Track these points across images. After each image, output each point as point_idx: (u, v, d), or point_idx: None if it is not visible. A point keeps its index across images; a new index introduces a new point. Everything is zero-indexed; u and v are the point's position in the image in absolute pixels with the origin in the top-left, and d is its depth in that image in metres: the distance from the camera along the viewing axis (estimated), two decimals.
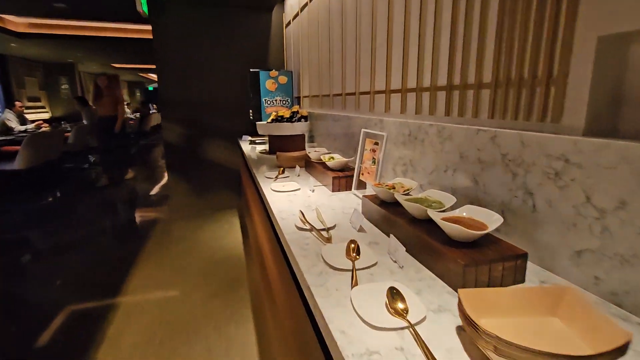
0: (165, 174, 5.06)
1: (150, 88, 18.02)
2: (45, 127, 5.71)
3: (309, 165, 1.77)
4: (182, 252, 2.67)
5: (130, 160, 6.82)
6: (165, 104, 3.43)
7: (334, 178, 1.41)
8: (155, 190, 4.60)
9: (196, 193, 3.61)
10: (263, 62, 3.49)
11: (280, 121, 2.35)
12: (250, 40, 3.46)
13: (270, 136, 2.35)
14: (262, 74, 2.79)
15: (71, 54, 6.79)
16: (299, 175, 1.72)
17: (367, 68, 1.66)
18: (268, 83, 2.81)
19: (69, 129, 5.56)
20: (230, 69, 3.47)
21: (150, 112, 10.49)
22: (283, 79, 2.84)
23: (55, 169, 5.11)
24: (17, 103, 5.61)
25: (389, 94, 1.46)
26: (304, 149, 2.29)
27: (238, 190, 3.64)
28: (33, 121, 6.10)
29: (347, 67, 1.93)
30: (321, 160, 1.65)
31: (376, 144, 1.27)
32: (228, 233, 3.02)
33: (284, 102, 2.87)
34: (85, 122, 6.00)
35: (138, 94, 15.52)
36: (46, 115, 7.85)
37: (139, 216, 3.63)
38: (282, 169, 1.82)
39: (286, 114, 2.38)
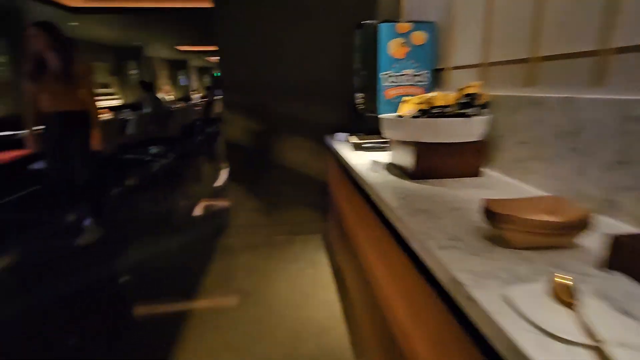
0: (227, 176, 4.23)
1: (217, 74, 18.02)
2: (110, 115, 5.28)
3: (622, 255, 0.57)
4: (244, 327, 1.67)
5: (194, 152, 6.24)
6: (229, 89, 2.45)
7: None
8: (213, 201, 3.76)
9: (265, 209, 2.62)
10: (368, 13, 2.25)
11: (440, 115, 1.17)
12: None
13: (414, 144, 1.16)
14: (384, 29, 1.60)
15: (136, 35, 6.30)
16: None
17: None
18: (393, 45, 1.62)
19: (129, 117, 5.03)
20: (316, 32, 2.35)
21: (215, 97, 10.03)
22: (419, 38, 1.62)
23: (112, 163, 4.59)
24: None
25: None
26: (478, 168, 1.10)
27: (323, 208, 2.57)
28: (102, 108, 5.76)
29: None
30: None
31: None
32: (315, 283, 1.97)
33: (420, 78, 1.66)
34: (146, 109, 5.45)
35: (205, 80, 15.45)
36: (117, 102, 7.67)
37: (186, 241, 2.76)
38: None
39: (448, 100, 1.19)
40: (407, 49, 1.61)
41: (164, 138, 5.58)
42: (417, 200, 0.92)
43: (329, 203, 2.34)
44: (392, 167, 1.29)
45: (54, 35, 2.32)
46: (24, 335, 1.65)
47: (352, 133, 1.95)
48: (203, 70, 15.24)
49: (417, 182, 1.11)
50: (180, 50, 8.89)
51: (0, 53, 4.09)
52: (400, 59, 1.62)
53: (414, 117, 1.20)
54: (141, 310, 1.85)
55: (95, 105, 2.52)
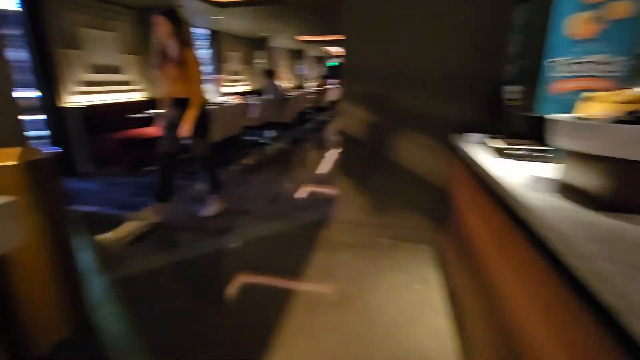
0: (334, 166, 4.28)
1: (334, 64, 18.43)
2: (237, 100, 5.88)
3: None
4: (339, 335, 1.55)
5: (304, 138, 6.48)
6: (349, 78, 2.33)
7: None
8: (315, 187, 3.77)
9: (371, 207, 2.46)
10: None
11: None
12: None
13: (615, 161, 0.80)
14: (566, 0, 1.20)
15: (265, 26, 6.80)
16: None
17: None
18: (577, 21, 1.21)
19: (253, 103, 5.48)
20: (454, 10, 2.00)
21: (327, 86, 10.26)
22: (621, 9, 1.16)
23: (234, 144, 5.08)
24: (218, 76, 5.92)
25: None
26: None
27: (437, 217, 2.26)
28: (230, 94, 6.47)
29: None
30: None
31: None
32: (422, 303, 1.73)
33: (612, 67, 1.21)
34: (267, 95, 5.85)
35: (319, 70, 15.99)
36: (245, 89, 8.52)
37: (289, 224, 2.80)
38: None
39: None
40: (598, 27, 1.18)
41: (279, 123, 5.93)
42: (628, 250, 0.61)
43: (447, 212, 2.03)
44: (566, 189, 0.95)
45: (175, 22, 2.39)
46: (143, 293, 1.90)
47: (491, 135, 1.59)
48: (318, 60, 15.79)
49: (617, 217, 0.76)
50: (299, 41, 9.32)
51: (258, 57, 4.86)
52: (585, 41, 1.20)
53: (618, 122, 0.83)
54: (245, 281, 1.93)
55: (196, 95, 2.51)
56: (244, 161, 4.69)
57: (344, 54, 2.30)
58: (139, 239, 2.48)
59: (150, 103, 5.08)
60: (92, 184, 3.69)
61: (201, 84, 2.58)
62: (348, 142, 2.43)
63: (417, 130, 2.25)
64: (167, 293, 1.89)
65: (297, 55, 11.90)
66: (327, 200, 3.26)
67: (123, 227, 2.56)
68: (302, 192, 3.52)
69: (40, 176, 1.36)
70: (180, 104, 2.56)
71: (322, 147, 5.85)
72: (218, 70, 7.34)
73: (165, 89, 2.63)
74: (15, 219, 0.98)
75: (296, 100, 6.16)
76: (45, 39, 3.70)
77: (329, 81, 11.73)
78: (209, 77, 7.01)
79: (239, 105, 4.39)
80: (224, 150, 4.79)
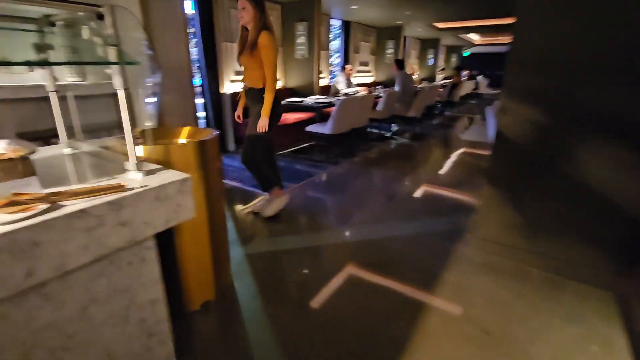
0: (463, 169, 3.75)
1: (466, 53, 16.64)
2: (365, 92, 5.82)
3: None
4: None
5: (431, 135, 6.00)
6: (516, 68, 1.91)
7: None
8: (444, 191, 3.37)
9: (526, 227, 2.01)
10: None
11: None
12: None
13: None
14: None
15: (401, 13, 6.47)
16: None
17: None
18: None
19: (380, 94, 5.31)
20: None
21: (461, 79, 9.25)
22: None
23: (359, 135, 5.03)
24: (347, 67, 5.95)
25: None
26: None
27: (626, 255, 1.68)
28: (359, 85, 6.46)
29: None
30: None
31: None
32: None
33: None
34: (397, 87, 5.58)
35: (452, 60, 14.63)
36: (371, 80, 8.42)
37: (415, 228, 2.54)
38: None
39: None
40: None
41: (405, 117, 5.61)
42: None
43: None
44: None
45: (259, 7, 2.21)
46: None
47: None
48: (451, 50, 14.44)
49: None
50: (436, 28, 8.60)
51: (300, 35, 5.09)
52: None
53: None
54: (365, 279, 1.82)
55: (270, 86, 2.33)
56: (366, 154, 4.61)
57: (513, 39, 1.89)
58: (271, 217, 2.65)
59: (288, 92, 5.48)
60: (234, 161, 4.19)
61: (275, 72, 2.35)
62: (503, 145, 2.02)
63: (609, 140, 1.70)
64: (291, 273, 1.94)
65: (429, 44, 11.11)
66: (456, 207, 2.87)
67: (254, 203, 2.79)
68: (423, 193, 3.21)
69: (207, 154, 1.51)
70: (255, 95, 2.40)
71: (449, 146, 5.29)
72: (348, 60, 7.41)
73: (243, 79, 2.48)
74: (190, 194, 1.06)
75: (426, 93, 5.71)
76: (213, 35, 4.31)
77: (463, 73, 10.60)
78: (339, 67, 7.14)
79: (367, 96, 4.28)
80: (349, 142, 4.79)
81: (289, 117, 4.76)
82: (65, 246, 0.80)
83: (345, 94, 5.59)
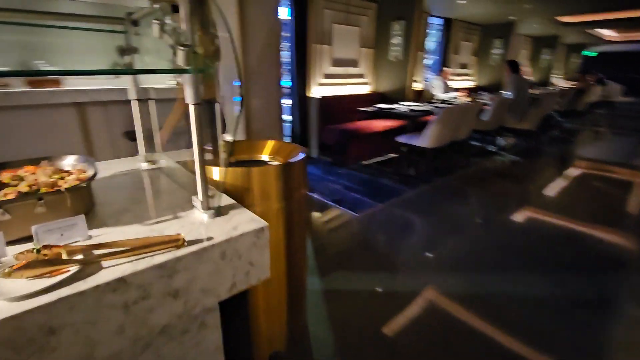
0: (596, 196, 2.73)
1: (592, 53, 13.87)
2: (466, 97, 5.09)
3: None
4: None
5: (545, 151, 4.96)
6: None
7: None
8: (592, 232, 2.58)
9: None
10: None
11: None
12: None
13: None
14: None
15: (516, 8, 5.50)
16: None
17: None
18: None
19: (488, 102, 4.54)
20: None
21: (590, 84, 7.63)
22: None
23: (459, 149, 4.36)
24: (446, 69, 5.28)
25: None
26: None
27: None
28: (457, 90, 5.72)
29: None
30: None
31: None
32: None
33: None
34: (509, 94, 4.73)
35: (572, 61, 12.34)
36: (472, 84, 7.50)
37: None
38: None
39: None
40: None
41: (516, 129, 4.74)
42: None
43: None
44: None
45: None
46: None
47: None
48: (572, 49, 12.18)
49: None
50: (559, 22, 7.20)
51: (396, 34, 4.63)
52: None
53: None
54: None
55: None
56: (465, 172, 3.95)
57: None
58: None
59: (378, 97, 5.09)
60: (316, 170, 3.96)
61: None
62: None
63: None
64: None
65: (544, 42, 9.50)
66: (596, 254, 2.12)
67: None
68: (543, 228, 2.49)
69: (292, 180, 1.22)
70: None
71: (570, 165, 4.24)
72: (446, 62, 6.66)
73: None
74: (267, 248, 0.77)
75: (544, 101, 4.71)
76: (306, 37, 4.15)
77: (588, 77, 8.80)
78: (435, 70, 6.46)
79: (472, 105, 3.63)
80: (448, 156, 4.18)
81: (376, 125, 4.36)
82: (93, 330, 0.57)
83: (443, 101, 4.94)
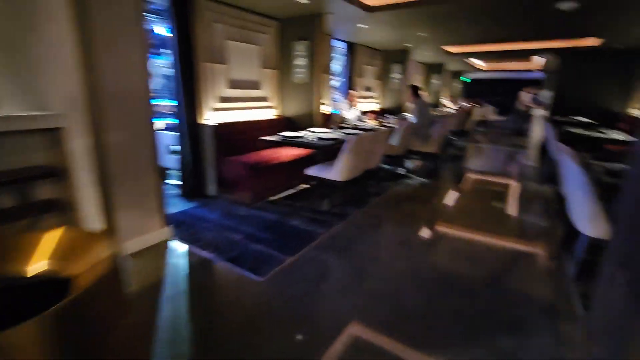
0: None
1: (467, 79, 16.18)
2: (373, 121, 5.01)
3: None
4: None
5: (446, 170, 5.15)
6: None
7: None
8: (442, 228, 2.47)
9: None
10: None
11: None
12: None
13: None
14: None
15: (413, 35, 5.77)
16: None
17: None
18: None
19: (395, 126, 4.49)
20: None
21: (475, 105, 8.59)
22: None
23: (372, 175, 4.15)
24: (352, 92, 5.17)
25: None
26: None
27: None
28: (364, 113, 5.65)
29: None
30: None
31: None
32: None
33: None
34: (413, 118, 4.78)
35: (455, 85, 14.11)
36: (376, 107, 7.69)
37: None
38: None
39: None
40: None
41: (422, 152, 4.79)
42: None
43: None
44: None
45: None
46: None
47: None
48: (454, 75, 13.94)
49: None
50: (446, 52, 7.97)
51: (299, 55, 4.29)
52: None
53: None
54: None
55: None
56: (381, 200, 3.71)
57: None
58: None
59: (285, 122, 4.64)
60: (212, 213, 3.25)
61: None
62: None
63: None
64: None
65: (434, 69, 10.53)
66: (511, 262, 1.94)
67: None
68: (425, 230, 2.30)
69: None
70: None
71: (462, 179, 4.43)
72: (352, 85, 6.66)
73: None
74: None
75: (444, 123, 4.89)
76: (193, 55, 3.48)
77: (472, 100, 9.98)
78: (342, 93, 6.38)
79: (383, 132, 3.43)
80: (362, 183, 3.90)
81: (285, 153, 3.89)
82: None
83: (353, 125, 4.76)
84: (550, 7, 3.88)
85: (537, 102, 9.85)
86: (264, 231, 2.83)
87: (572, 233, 2.21)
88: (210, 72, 3.74)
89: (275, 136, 3.41)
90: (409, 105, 5.17)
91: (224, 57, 3.87)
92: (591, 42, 6.27)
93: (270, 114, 4.68)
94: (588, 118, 6.82)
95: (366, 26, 4.96)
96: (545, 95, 14.21)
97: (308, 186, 3.97)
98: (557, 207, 3.30)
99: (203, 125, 3.66)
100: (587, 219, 1.93)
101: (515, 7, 4.04)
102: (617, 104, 6.80)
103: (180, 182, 3.70)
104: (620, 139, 4.23)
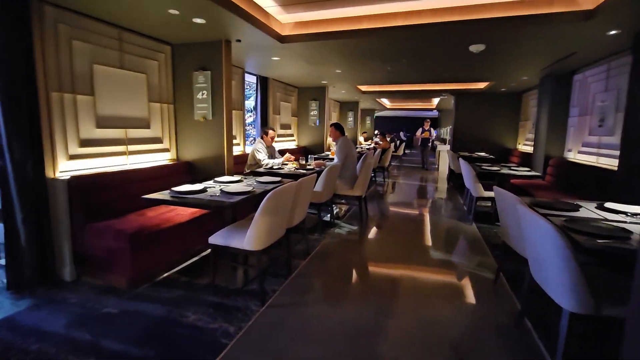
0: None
1: (373, 116, 17.29)
2: (292, 162, 4.41)
3: None
4: None
5: (377, 211, 4.79)
6: None
7: None
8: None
9: None
10: None
11: None
12: None
13: None
14: None
15: (329, 71, 5.53)
16: None
17: None
18: None
19: (316, 168, 3.96)
20: None
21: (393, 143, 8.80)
22: None
23: (296, 228, 3.48)
24: (270, 131, 4.54)
25: None
26: None
27: None
28: (282, 152, 5.05)
29: None
30: None
31: None
32: None
33: None
34: (337, 159, 4.34)
35: (368, 122, 14.79)
36: (293, 145, 7.21)
37: None
38: None
39: None
40: None
41: (348, 196, 4.33)
42: None
43: None
44: None
45: None
46: None
47: None
48: (365, 113, 14.63)
49: None
50: (359, 90, 8.07)
51: (201, 88, 3.57)
52: None
53: None
54: None
55: None
56: (305, 262, 3.03)
57: None
58: None
59: (184, 167, 3.70)
60: (56, 318, 2.11)
61: None
62: None
63: None
64: None
65: (349, 107, 10.75)
66: None
67: None
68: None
69: None
70: None
71: (387, 218, 4.11)
72: (267, 123, 6.08)
73: None
74: None
75: (367, 161, 4.55)
76: (34, 82, 2.42)
77: (386, 137, 10.34)
78: (258, 133, 5.72)
79: (305, 181, 2.82)
80: (283, 242, 3.15)
81: (180, 212, 2.97)
82: None
83: (270, 169, 4.08)
84: (465, 50, 3.95)
85: (435, 137, 10.74)
86: (141, 345, 1.84)
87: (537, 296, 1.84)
88: (68, 107, 2.70)
89: (162, 193, 2.49)
90: (333, 144, 4.75)
91: (89, 86, 2.87)
92: (482, 85, 6.97)
93: (164, 158, 3.72)
94: (487, 153, 7.46)
95: (278, 58, 4.49)
96: (440, 131, 15.90)
97: (208, 255, 3.07)
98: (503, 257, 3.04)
99: (54, 180, 2.54)
100: (569, 293, 1.54)
101: (433, 48, 4.03)
102: (508, 140, 7.62)
103: (5, 266, 2.42)
104: (524, 174, 4.45)
